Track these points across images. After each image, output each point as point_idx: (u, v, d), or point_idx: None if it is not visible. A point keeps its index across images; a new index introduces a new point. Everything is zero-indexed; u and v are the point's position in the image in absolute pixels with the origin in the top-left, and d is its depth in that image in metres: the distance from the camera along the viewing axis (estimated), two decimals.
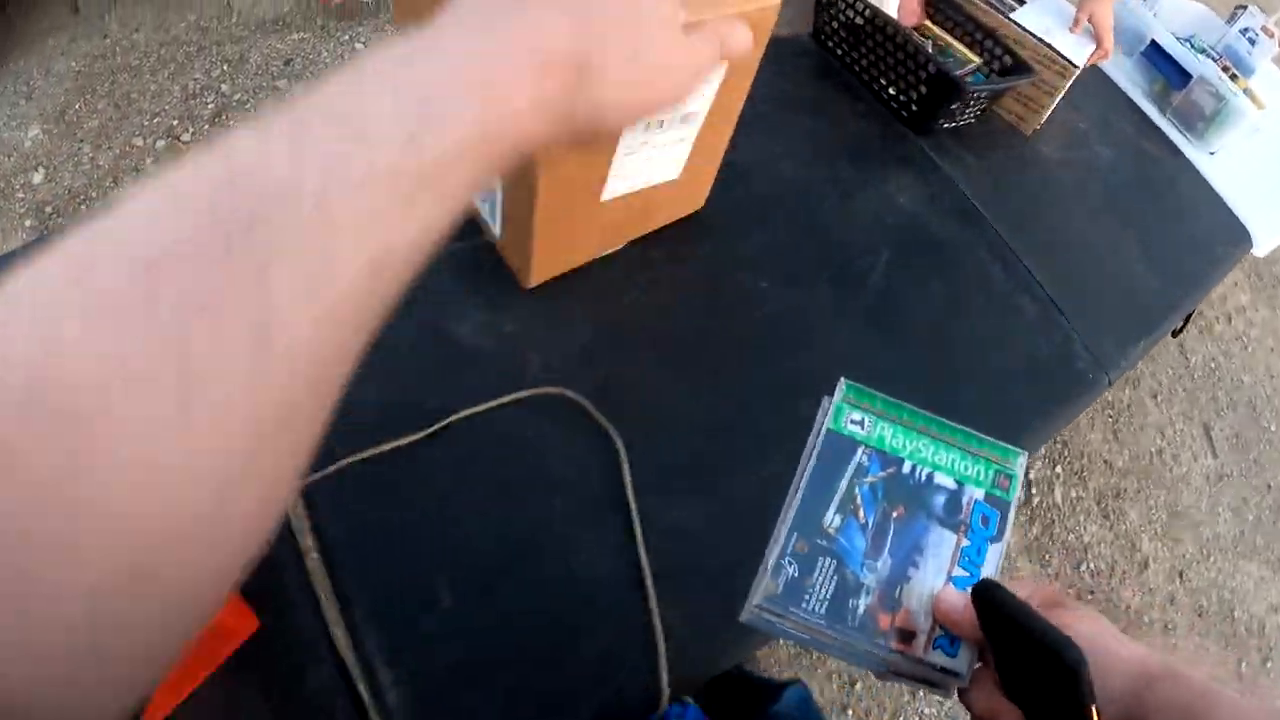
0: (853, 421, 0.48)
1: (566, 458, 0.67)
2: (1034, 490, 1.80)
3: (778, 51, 1.20)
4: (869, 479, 0.46)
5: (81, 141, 2.59)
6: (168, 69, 2.82)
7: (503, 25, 0.27)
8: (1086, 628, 0.38)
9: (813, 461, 0.46)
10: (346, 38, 3.00)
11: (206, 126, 2.57)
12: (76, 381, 0.17)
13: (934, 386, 0.82)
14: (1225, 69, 1.30)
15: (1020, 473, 0.47)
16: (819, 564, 0.43)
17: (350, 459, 0.60)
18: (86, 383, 0.17)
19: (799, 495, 0.45)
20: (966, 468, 0.47)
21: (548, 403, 0.69)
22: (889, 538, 0.44)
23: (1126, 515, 1.84)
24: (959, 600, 0.40)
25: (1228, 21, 1.36)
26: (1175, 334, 1.69)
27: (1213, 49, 1.35)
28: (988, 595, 0.38)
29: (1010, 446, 0.48)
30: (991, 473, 0.47)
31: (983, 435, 0.48)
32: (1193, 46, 1.33)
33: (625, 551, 0.63)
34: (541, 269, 0.74)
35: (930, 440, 0.48)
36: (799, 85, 1.12)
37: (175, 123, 2.52)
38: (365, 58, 0.25)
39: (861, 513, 0.45)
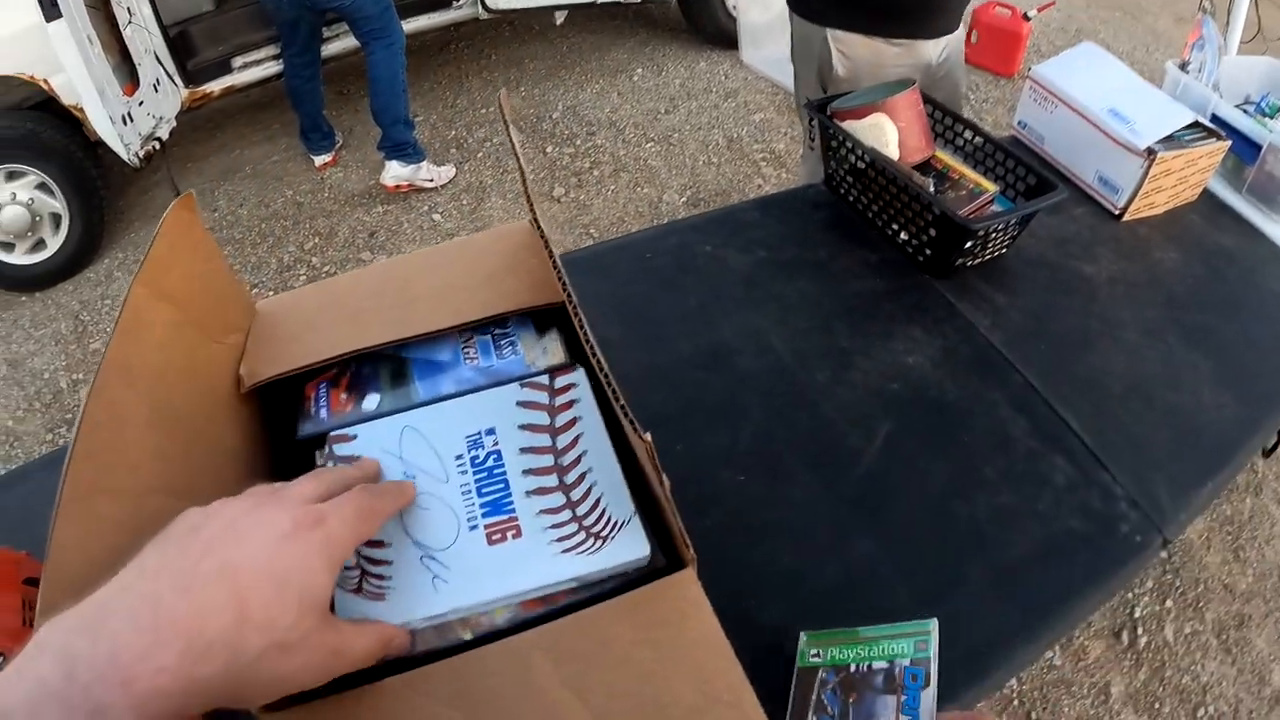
0: (813, 655, 0.69)
1: None
2: (1139, 630, 1.70)
3: (788, 205, 1.27)
4: (829, 685, 0.66)
5: None
6: (266, 242, 3.22)
7: (170, 601, 0.36)
8: None
9: (793, 691, 0.67)
10: (425, 208, 3.31)
11: None
12: None
13: (931, 580, 0.81)
14: None
15: (934, 633, 0.65)
16: None
17: None
18: None
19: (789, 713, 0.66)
20: (894, 648, 0.65)
21: None
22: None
23: (1252, 645, 1.72)
24: None
25: None
26: (1267, 454, 1.56)
27: None
28: None
29: (922, 622, 0.66)
30: (913, 642, 0.64)
31: (902, 623, 0.67)
32: (1263, 110, 1.28)
33: None
34: None
35: (867, 644, 0.67)
36: (806, 241, 1.16)
37: (271, 293, 2.81)
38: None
39: (828, 708, 0.64)
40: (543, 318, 0.71)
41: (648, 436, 0.44)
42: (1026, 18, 3.78)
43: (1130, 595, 1.80)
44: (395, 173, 3.28)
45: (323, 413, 0.64)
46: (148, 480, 0.52)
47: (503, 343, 0.68)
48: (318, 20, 3.12)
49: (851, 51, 1.60)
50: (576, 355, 0.68)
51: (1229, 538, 1.94)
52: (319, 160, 3.55)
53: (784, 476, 0.89)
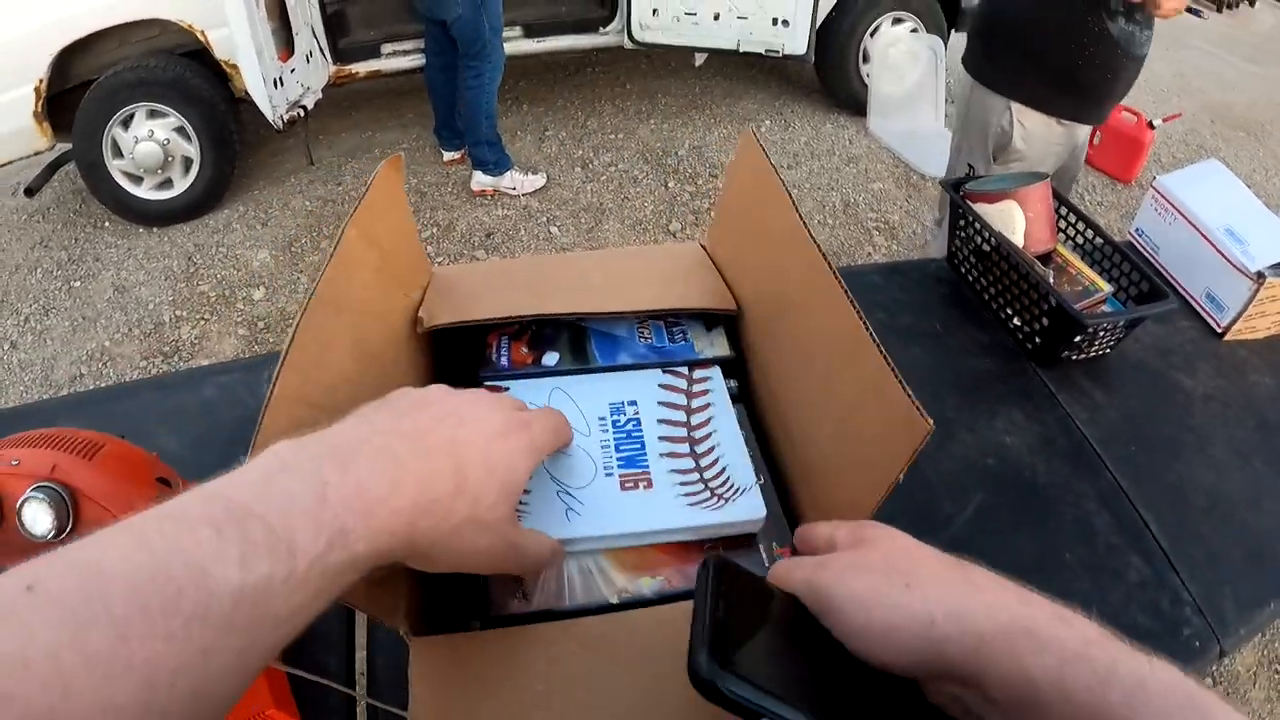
0: None
1: None
2: None
3: (911, 277, 1.36)
4: None
5: (301, 272, 3.15)
6: None
7: (408, 460, 0.42)
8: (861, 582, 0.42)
9: None
10: (544, 219, 3.49)
11: None
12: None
13: None
14: None
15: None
16: None
17: None
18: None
19: None
20: None
21: None
22: None
23: None
24: None
25: None
26: None
27: None
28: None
29: None
30: None
31: None
32: None
33: None
34: None
35: None
36: (925, 314, 1.25)
37: None
38: (292, 472, 0.38)
39: None
40: (710, 320, 0.80)
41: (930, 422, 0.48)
42: (1151, 126, 3.82)
43: None
44: (479, 180, 3.57)
45: (504, 360, 0.74)
46: (341, 401, 0.57)
47: (675, 330, 0.78)
48: (445, 28, 3.29)
49: (1029, 125, 1.88)
50: (740, 351, 0.78)
51: (1277, 676, 1.95)
52: (446, 155, 3.78)
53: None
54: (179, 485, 0.73)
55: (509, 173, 3.55)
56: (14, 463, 0.64)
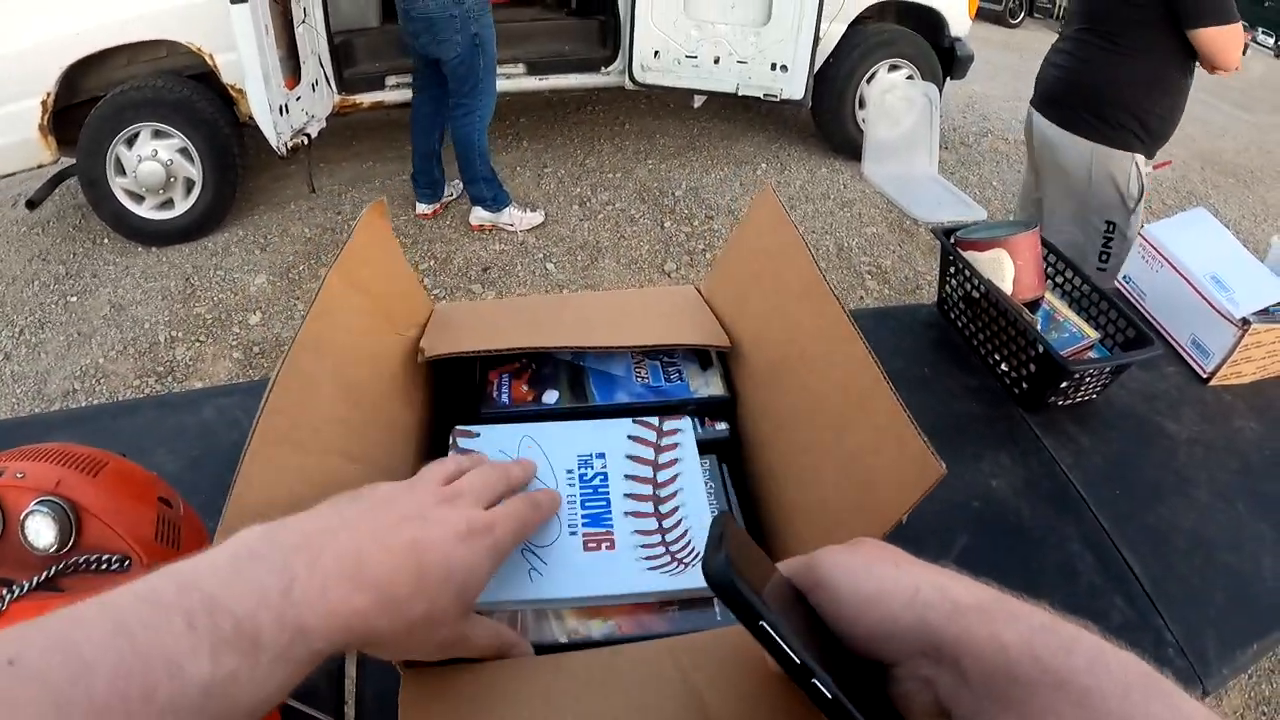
0: None
1: None
2: None
3: (902, 322, 1.39)
4: None
5: (298, 299, 3.16)
6: None
7: (372, 558, 0.43)
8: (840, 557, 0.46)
9: None
10: (540, 256, 3.54)
11: None
12: None
13: None
14: None
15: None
16: None
17: None
18: None
19: None
20: None
21: None
22: None
23: None
24: None
25: None
26: None
27: None
28: None
29: None
30: None
31: None
32: None
33: None
34: None
35: None
36: (913, 358, 1.28)
37: None
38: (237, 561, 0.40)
39: None
40: (705, 358, 0.83)
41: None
42: None
43: None
44: (478, 215, 3.59)
45: (504, 398, 0.76)
46: (327, 442, 0.59)
47: (670, 370, 0.80)
48: (437, 66, 3.30)
49: (1145, 170, 2.32)
50: (734, 393, 0.80)
51: (1264, 717, 1.96)
52: (420, 208, 3.72)
53: None
54: (179, 506, 0.74)
55: (507, 209, 3.58)
56: (19, 475, 0.65)
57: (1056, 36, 2.48)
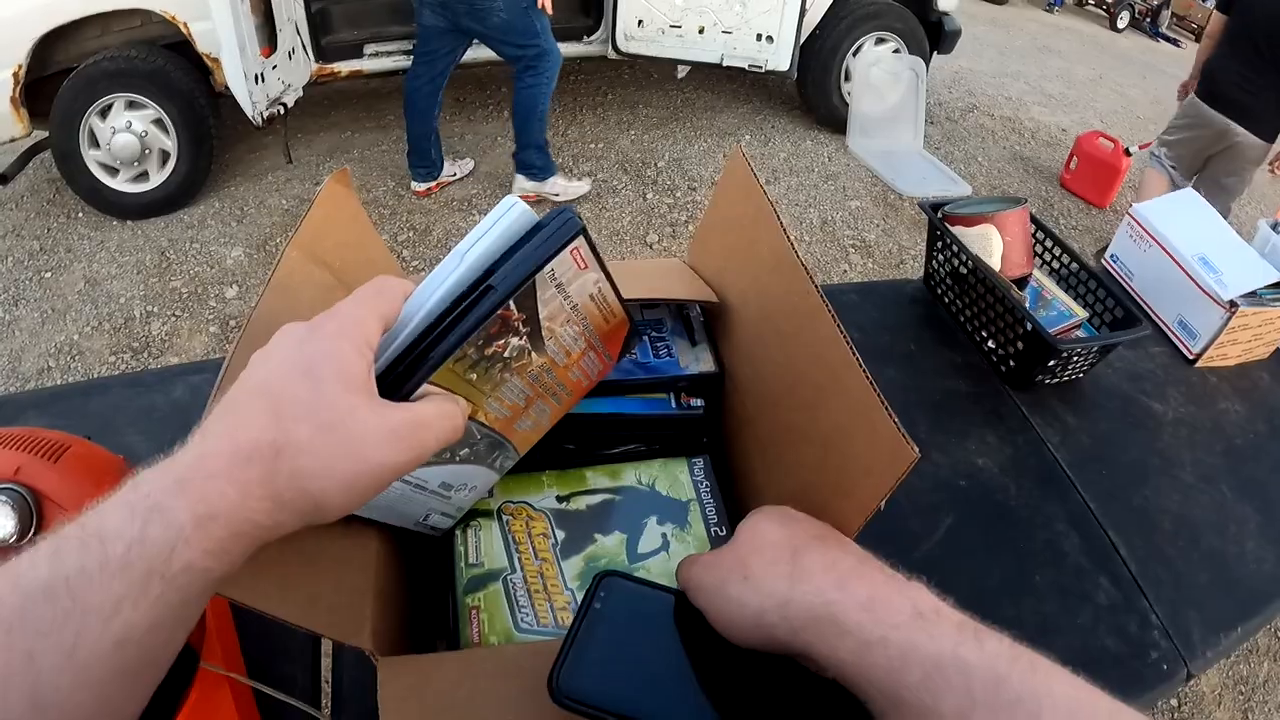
0: None
1: None
2: None
3: (887, 295, 1.37)
4: None
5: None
6: None
7: (215, 427, 0.38)
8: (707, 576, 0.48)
9: None
10: None
11: None
12: None
13: None
14: None
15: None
16: None
17: None
18: None
19: None
20: None
21: None
22: None
23: None
24: None
25: None
26: None
27: None
28: None
29: None
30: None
31: None
32: None
33: None
34: None
35: None
36: (900, 334, 1.26)
37: None
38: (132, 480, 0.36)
39: None
40: (693, 334, 0.81)
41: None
42: (1128, 153, 3.91)
43: None
44: (521, 185, 3.50)
45: None
46: None
47: (660, 346, 0.78)
48: (457, 41, 3.24)
49: None
50: (723, 369, 0.78)
51: (1241, 697, 1.99)
52: (415, 186, 3.63)
53: None
54: None
55: (553, 178, 3.51)
56: None
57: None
